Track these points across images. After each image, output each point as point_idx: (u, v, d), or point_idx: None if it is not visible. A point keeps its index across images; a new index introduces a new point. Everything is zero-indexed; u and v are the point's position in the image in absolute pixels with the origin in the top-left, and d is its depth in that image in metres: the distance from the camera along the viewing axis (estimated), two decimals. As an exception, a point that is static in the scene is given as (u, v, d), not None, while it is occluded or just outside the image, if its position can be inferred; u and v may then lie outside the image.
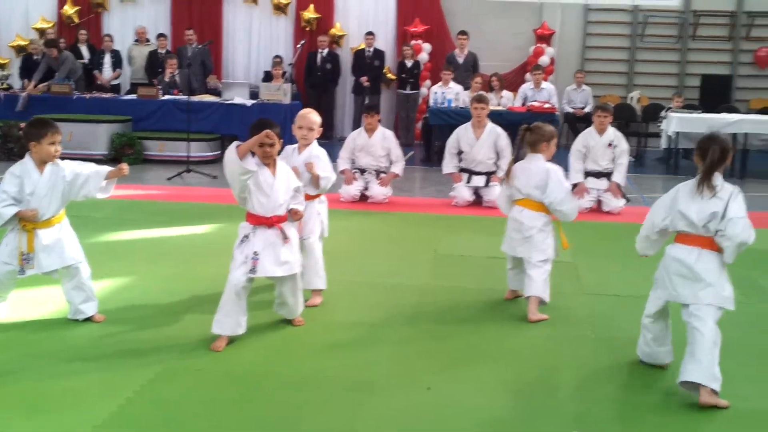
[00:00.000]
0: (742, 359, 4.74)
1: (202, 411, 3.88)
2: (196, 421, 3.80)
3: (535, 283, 5.41)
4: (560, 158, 5.96)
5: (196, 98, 12.43)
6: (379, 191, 9.31)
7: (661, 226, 4.45)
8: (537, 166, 5.52)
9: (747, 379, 4.48)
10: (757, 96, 15.56)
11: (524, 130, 5.64)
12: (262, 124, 4.73)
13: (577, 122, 14.01)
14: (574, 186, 9.05)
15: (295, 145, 5.66)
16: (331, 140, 14.42)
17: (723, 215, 4.17)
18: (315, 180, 5.47)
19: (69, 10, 16.12)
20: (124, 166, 5.04)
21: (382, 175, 9.41)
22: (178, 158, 11.66)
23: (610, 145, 9.10)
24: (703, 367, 4.07)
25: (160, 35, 14.87)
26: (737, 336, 5.02)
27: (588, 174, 9.16)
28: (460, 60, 14.44)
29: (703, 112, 12.61)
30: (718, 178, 4.28)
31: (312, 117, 5.62)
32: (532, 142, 5.60)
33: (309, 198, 5.48)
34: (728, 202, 4.19)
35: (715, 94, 14.73)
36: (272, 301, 5.18)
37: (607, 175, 9.15)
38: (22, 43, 15.85)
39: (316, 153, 5.58)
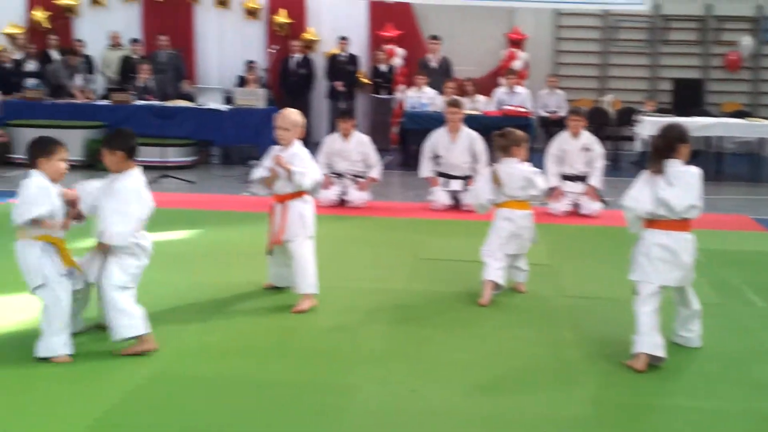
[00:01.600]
0: (724, 362, 4.81)
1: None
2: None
3: (526, 271, 6.08)
4: (536, 162, 6.05)
5: (170, 103, 12.36)
6: (357, 196, 9.30)
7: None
8: (515, 169, 5.90)
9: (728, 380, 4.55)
10: (728, 99, 15.69)
11: (497, 135, 6.02)
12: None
13: (551, 126, 14.10)
14: (552, 189, 9.12)
15: (281, 146, 5.68)
16: (306, 145, 14.33)
17: None
18: (289, 175, 5.45)
19: (39, 14, 15.93)
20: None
21: (360, 179, 9.41)
22: (153, 163, 11.57)
23: (584, 148, 9.16)
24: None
25: (134, 40, 14.75)
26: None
27: (564, 177, 9.20)
28: (433, 65, 14.46)
29: (675, 115, 12.72)
30: (672, 165, 4.52)
31: (289, 116, 5.62)
32: (504, 147, 5.95)
33: (290, 197, 5.48)
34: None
35: (687, 98, 14.81)
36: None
37: (583, 178, 9.19)
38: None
39: (296, 151, 5.56)
